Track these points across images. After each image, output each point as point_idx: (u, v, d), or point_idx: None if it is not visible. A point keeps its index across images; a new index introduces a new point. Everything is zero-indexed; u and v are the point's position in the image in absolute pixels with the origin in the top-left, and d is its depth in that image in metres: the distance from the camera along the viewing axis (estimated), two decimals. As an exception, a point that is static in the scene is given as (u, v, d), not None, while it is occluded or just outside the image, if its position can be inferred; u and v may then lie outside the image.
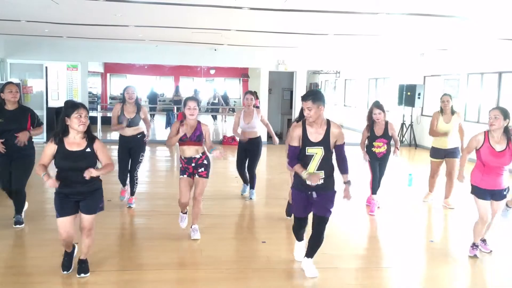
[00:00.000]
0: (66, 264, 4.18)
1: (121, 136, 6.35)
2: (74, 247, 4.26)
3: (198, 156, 5.08)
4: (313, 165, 3.99)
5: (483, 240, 5.07)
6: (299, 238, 4.57)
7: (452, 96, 7.07)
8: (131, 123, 6.20)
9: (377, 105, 6.33)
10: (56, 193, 3.94)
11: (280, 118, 15.39)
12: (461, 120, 6.87)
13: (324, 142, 3.98)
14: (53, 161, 3.91)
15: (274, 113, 15.12)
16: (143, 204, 6.70)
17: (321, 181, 3.98)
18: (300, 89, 14.44)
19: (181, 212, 5.39)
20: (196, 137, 5.03)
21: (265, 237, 5.43)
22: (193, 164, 5.08)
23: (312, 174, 3.94)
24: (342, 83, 19.95)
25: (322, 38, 10.37)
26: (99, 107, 16.12)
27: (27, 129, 5.20)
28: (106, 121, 14.16)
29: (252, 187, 7.17)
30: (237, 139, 7.30)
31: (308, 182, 3.94)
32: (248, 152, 6.95)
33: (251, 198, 7.09)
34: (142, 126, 6.38)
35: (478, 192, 4.72)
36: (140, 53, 13.55)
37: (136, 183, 6.50)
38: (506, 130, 4.61)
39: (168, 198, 6.91)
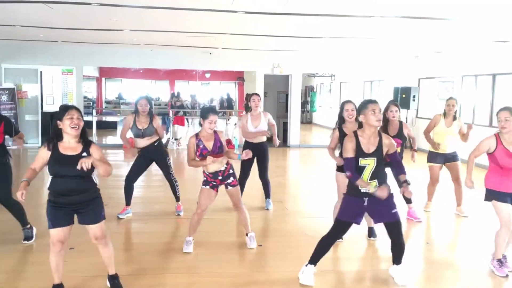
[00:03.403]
0: None
1: (140, 149, 6.16)
2: (62, 285, 3.83)
3: (223, 168, 4.83)
4: (366, 175, 3.95)
5: (499, 260, 4.55)
6: (316, 257, 4.20)
7: (446, 98, 6.90)
8: (144, 134, 6.03)
9: (394, 102, 6.09)
10: (49, 201, 3.64)
11: (275, 121, 15.38)
12: (463, 125, 6.54)
13: (377, 153, 3.95)
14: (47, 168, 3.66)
15: (270, 116, 15.11)
16: (139, 208, 6.68)
17: (376, 189, 3.94)
18: (295, 92, 14.47)
19: (189, 235, 4.99)
20: (218, 149, 4.71)
21: (261, 240, 5.42)
22: (220, 178, 4.85)
23: (381, 188, 3.90)
24: (338, 86, 20.00)
25: (317, 41, 10.41)
26: (94, 111, 16.08)
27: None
28: (101, 125, 14.19)
29: (268, 195, 6.81)
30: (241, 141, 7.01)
31: (377, 194, 3.88)
32: (257, 158, 6.59)
33: (268, 209, 6.74)
34: (156, 135, 6.18)
35: (498, 195, 4.40)
36: (135, 57, 13.54)
37: (177, 186, 6.36)
38: None
39: (165, 203, 6.89)
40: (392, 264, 4.25)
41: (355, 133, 4.03)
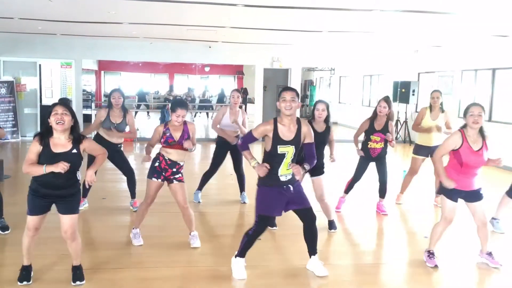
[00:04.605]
0: (25, 276, 3.89)
1: (103, 139, 5.84)
2: (31, 266, 3.96)
3: (182, 164, 4.81)
4: (286, 163, 3.95)
5: (489, 253, 4.63)
6: (245, 251, 4.20)
7: (446, 93, 6.95)
8: (117, 128, 5.86)
9: (386, 99, 6.06)
10: (31, 189, 3.74)
11: (275, 115, 15.36)
12: (449, 118, 6.65)
13: (295, 140, 3.97)
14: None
15: (269, 110, 15.12)
16: (137, 202, 6.68)
17: (291, 175, 4.01)
18: (295, 86, 14.40)
19: (134, 227, 4.99)
20: (185, 141, 4.73)
21: (260, 234, 5.42)
22: (174, 169, 4.76)
23: (260, 165, 3.92)
24: (337, 80, 19.98)
25: (316, 35, 10.39)
26: (93, 104, 16.06)
27: None
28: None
29: (243, 189, 6.78)
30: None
31: (258, 173, 3.91)
32: (232, 153, 6.56)
33: (244, 202, 6.71)
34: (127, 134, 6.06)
35: (449, 192, 4.42)
36: (134, 50, 13.51)
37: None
38: (481, 128, 4.33)
39: (160, 197, 6.85)
40: (309, 256, 4.28)
41: (275, 119, 4.01)
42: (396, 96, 13.41)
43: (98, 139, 5.84)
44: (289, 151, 3.94)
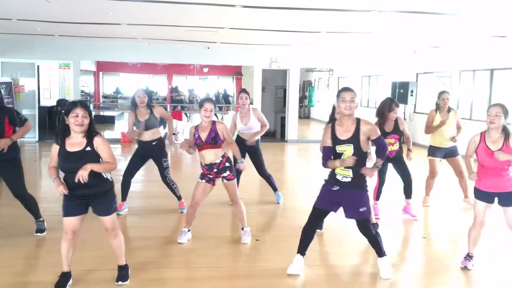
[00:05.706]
0: (62, 283, 3.84)
1: (138, 142, 6.08)
2: (70, 273, 3.91)
3: (218, 161, 4.84)
4: None
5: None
6: (302, 246, 4.29)
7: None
8: (147, 125, 5.88)
9: (397, 103, 5.92)
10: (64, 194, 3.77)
11: (273, 116, 15.40)
12: (458, 117, 6.66)
13: (353, 139, 4.03)
14: None
15: (268, 111, 15.09)
16: (136, 203, 6.68)
17: (349, 179, 4.06)
18: (293, 87, 14.46)
19: (184, 227, 5.10)
20: (212, 140, 4.74)
21: (259, 235, 5.43)
22: (215, 170, 4.85)
23: (346, 158, 3.99)
24: (336, 81, 19.98)
25: (315, 36, 10.39)
26: (91, 106, 16.06)
27: (6, 135, 4.75)
28: (98, 120, 14.22)
29: (275, 189, 6.74)
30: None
31: (346, 165, 3.98)
32: (250, 155, 6.50)
33: (278, 202, 6.71)
34: (159, 130, 6.14)
35: (479, 194, 4.43)
36: (133, 51, 13.52)
37: (175, 187, 6.19)
38: (505, 129, 4.30)
39: (162, 197, 6.88)
40: (378, 257, 4.33)
41: (333, 122, 4.20)
42: (394, 96, 13.41)
43: (139, 144, 6.08)
44: (346, 150, 4.03)
